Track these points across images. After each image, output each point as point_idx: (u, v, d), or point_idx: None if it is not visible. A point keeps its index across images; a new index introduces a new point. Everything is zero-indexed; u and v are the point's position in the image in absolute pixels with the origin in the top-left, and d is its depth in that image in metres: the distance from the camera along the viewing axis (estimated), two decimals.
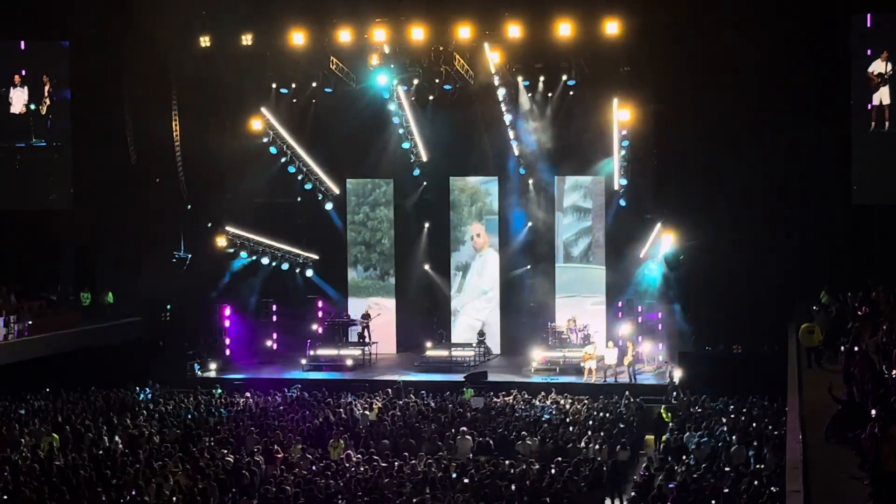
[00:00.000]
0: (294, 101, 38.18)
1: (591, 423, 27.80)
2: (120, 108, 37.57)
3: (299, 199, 40.17)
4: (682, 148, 35.82)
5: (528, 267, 39.75)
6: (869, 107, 34.26)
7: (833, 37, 34.11)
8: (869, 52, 34.25)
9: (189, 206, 38.26)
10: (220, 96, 36.97)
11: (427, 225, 40.56)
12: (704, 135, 35.24)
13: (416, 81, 36.92)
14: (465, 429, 26.63)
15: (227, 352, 38.65)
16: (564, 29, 33.15)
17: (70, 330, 36.33)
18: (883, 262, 31.75)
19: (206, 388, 33.99)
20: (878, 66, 33.90)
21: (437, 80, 36.23)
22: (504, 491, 21.22)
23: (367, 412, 29.44)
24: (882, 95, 34.05)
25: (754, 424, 26.61)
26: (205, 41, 35.41)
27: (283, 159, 38.70)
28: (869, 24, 34.30)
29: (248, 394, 32.52)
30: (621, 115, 35.30)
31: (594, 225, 39.20)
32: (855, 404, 17.78)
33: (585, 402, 30.67)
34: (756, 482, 20.37)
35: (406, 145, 39.02)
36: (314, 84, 37.36)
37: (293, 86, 37.68)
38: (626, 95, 35.18)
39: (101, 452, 24.88)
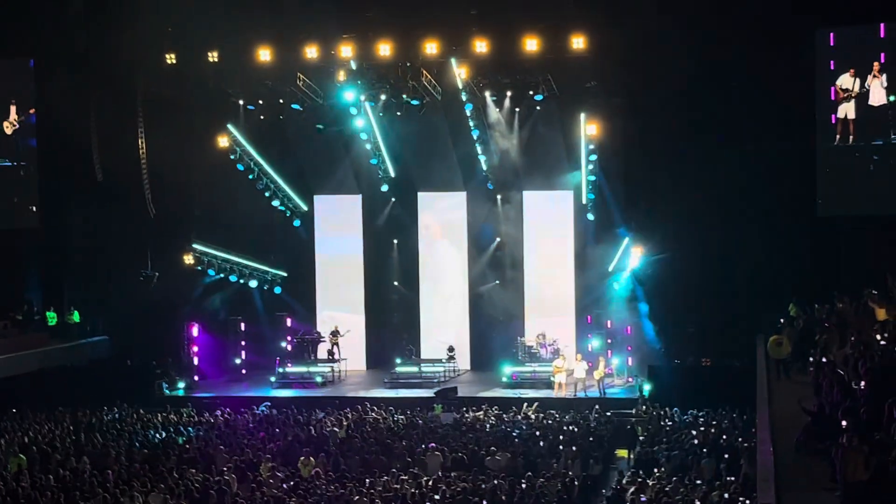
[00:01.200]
0: (261, 117, 38.04)
1: (561, 437, 27.79)
2: (86, 126, 37.35)
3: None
4: (650, 162, 35.98)
5: (497, 282, 39.76)
6: (833, 120, 34.53)
7: (797, 52, 34.39)
8: (832, 66, 34.53)
9: (155, 224, 37.98)
10: (186, 113, 36.76)
11: (396, 241, 40.50)
12: (671, 149, 35.43)
13: (383, 97, 36.88)
14: (434, 445, 26.56)
15: (196, 370, 38.43)
16: (531, 44, 33.19)
17: (36, 349, 36.02)
18: (848, 274, 31.94)
19: (174, 406, 33.75)
20: (846, 81, 34.16)
21: (404, 96, 36.25)
22: None
23: (336, 429, 29.31)
24: (847, 110, 34.31)
25: (724, 437, 26.68)
26: (171, 58, 35.24)
27: (250, 176, 38.55)
28: (832, 40, 34.58)
29: (216, 412, 32.32)
30: (588, 130, 35.40)
31: (562, 239, 39.27)
32: (825, 416, 17.85)
33: (556, 416, 30.69)
34: (727, 495, 20.41)
35: (374, 161, 38.98)
36: (281, 100, 37.25)
37: (260, 102, 37.55)
38: (593, 110, 35.29)
39: (68, 473, 24.61)
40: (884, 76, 33.73)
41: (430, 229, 40.48)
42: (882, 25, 33.90)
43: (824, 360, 22.75)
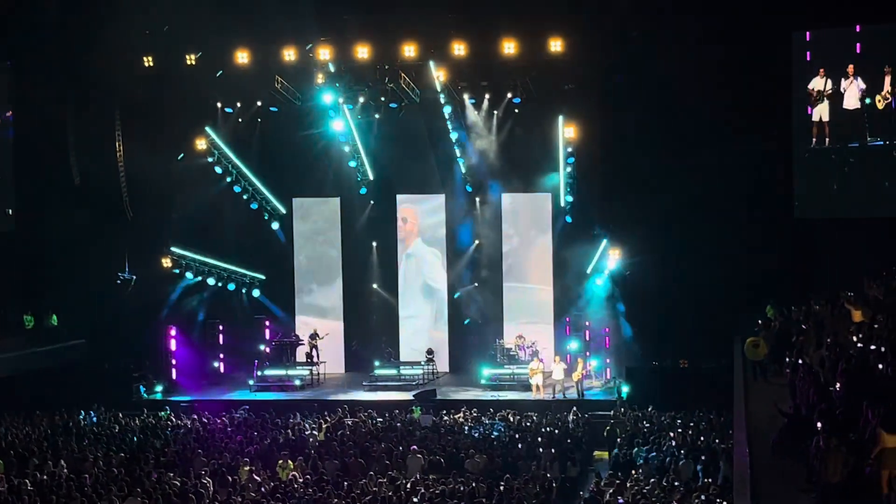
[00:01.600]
0: (239, 120, 37.99)
1: (539, 439, 27.84)
2: (63, 129, 37.22)
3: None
4: (627, 164, 36.07)
5: (476, 284, 39.78)
6: (809, 123, 34.75)
7: (774, 54, 34.56)
8: (809, 68, 34.73)
9: (133, 227, 37.85)
10: (164, 116, 36.69)
11: (375, 244, 40.46)
12: (649, 151, 35.54)
13: (361, 99, 36.91)
14: (414, 447, 26.57)
15: (174, 373, 38.36)
16: (509, 47, 33.31)
17: (13, 353, 35.79)
18: (825, 276, 32.11)
19: (151, 410, 33.65)
20: (817, 83, 34.35)
21: (382, 98, 36.28)
22: None
23: (315, 432, 29.29)
24: (822, 112, 34.50)
25: (702, 438, 26.79)
26: (148, 61, 35.20)
27: (228, 179, 38.48)
28: (808, 42, 34.76)
29: (194, 415, 32.24)
30: (566, 132, 35.51)
31: (541, 241, 39.36)
32: (801, 418, 17.93)
33: (534, 418, 30.75)
34: (704, 496, 20.48)
35: (352, 163, 38.96)
36: (259, 103, 37.22)
37: (238, 105, 37.52)
38: (571, 112, 35.38)
39: (45, 477, 24.50)
40: (858, 79, 33.89)
41: (408, 232, 40.47)
42: (857, 28, 34.10)
43: (800, 361, 22.85)
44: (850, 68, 34.01)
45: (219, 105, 37.44)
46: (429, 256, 40.49)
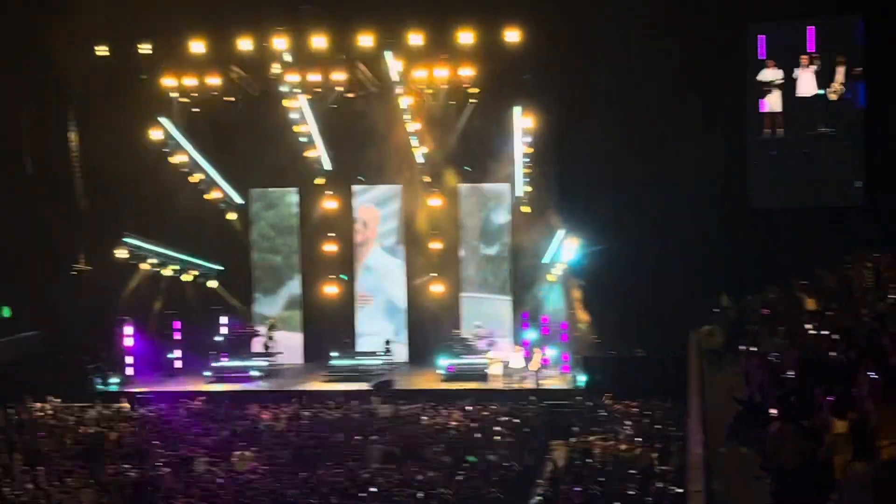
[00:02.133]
0: (194, 110, 37.69)
1: (497, 428, 27.92)
2: (16, 118, 36.82)
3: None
4: (584, 154, 36.19)
5: (434, 275, 39.76)
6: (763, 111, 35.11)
7: (729, 45, 34.79)
8: (762, 59, 35.03)
9: (87, 218, 37.53)
10: (118, 106, 36.30)
11: (332, 234, 40.30)
12: (606, 141, 35.67)
13: (318, 89, 36.74)
14: (373, 437, 26.58)
15: (129, 365, 38.03)
16: (466, 37, 33.30)
17: None
18: (779, 265, 32.38)
19: (107, 401, 33.42)
20: (767, 74, 34.67)
21: (339, 89, 36.13)
22: (412, 499, 21.22)
23: (273, 423, 29.22)
24: (773, 102, 34.82)
25: (658, 427, 26.97)
26: (102, 50, 34.87)
27: (184, 169, 38.21)
28: (763, 33, 35.04)
29: (150, 407, 32.05)
30: (524, 122, 35.54)
31: (498, 232, 39.44)
32: (755, 405, 18.08)
33: (493, 407, 30.83)
34: (660, 484, 20.65)
35: (310, 154, 38.80)
36: (214, 93, 36.98)
37: (193, 95, 37.23)
38: (529, 103, 35.42)
39: (0, 470, 24.31)
40: (812, 67, 34.22)
41: (365, 222, 40.40)
42: (808, 22, 34.46)
43: (755, 349, 23.07)
44: (804, 59, 34.34)
45: (173, 95, 37.08)
46: (386, 247, 40.44)
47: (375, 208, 40.46)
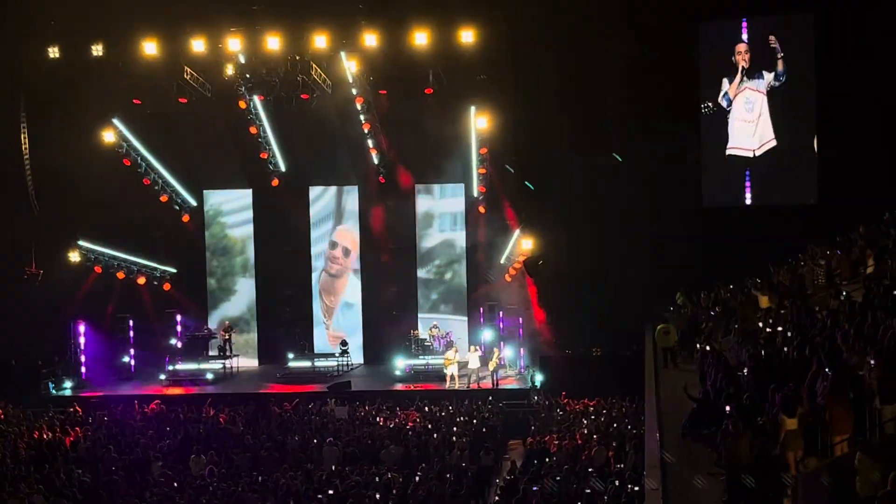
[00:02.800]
0: (148, 111, 37.36)
1: (455, 428, 27.93)
2: None
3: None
4: (539, 154, 36.32)
5: (395, 288, 39.68)
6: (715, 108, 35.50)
7: (682, 45, 35.04)
8: (715, 58, 35.38)
9: (40, 221, 37.15)
10: (71, 107, 35.98)
11: (287, 235, 40.15)
12: (560, 141, 35.83)
13: (272, 91, 36.56)
14: (330, 439, 26.50)
15: (83, 369, 37.69)
16: (420, 38, 33.27)
17: None
18: (733, 264, 32.65)
19: (60, 406, 33.08)
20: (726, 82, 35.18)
21: (294, 90, 35.99)
22: (369, 501, 21.18)
23: (229, 426, 29.04)
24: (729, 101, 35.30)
25: (615, 425, 27.07)
26: (54, 51, 34.52)
27: (138, 171, 37.88)
28: (713, 33, 35.38)
29: (105, 411, 31.77)
30: (479, 123, 35.58)
31: (454, 231, 39.48)
32: (709, 402, 18.23)
33: (449, 408, 30.83)
34: (617, 482, 20.72)
35: (264, 155, 38.62)
36: (168, 94, 36.65)
37: (146, 96, 36.87)
38: (484, 103, 35.45)
39: None
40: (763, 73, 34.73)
41: (321, 223, 40.29)
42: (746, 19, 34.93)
43: (709, 347, 23.26)
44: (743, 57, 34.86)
45: (126, 96, 36.68)
46: (342, 248, 40.36)
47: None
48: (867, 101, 32.80)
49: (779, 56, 34.65)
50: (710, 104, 35.50)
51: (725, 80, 35.35)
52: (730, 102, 35.31)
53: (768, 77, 34.94)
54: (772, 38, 34.72)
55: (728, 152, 35.58)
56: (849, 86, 33.43)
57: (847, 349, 16.66)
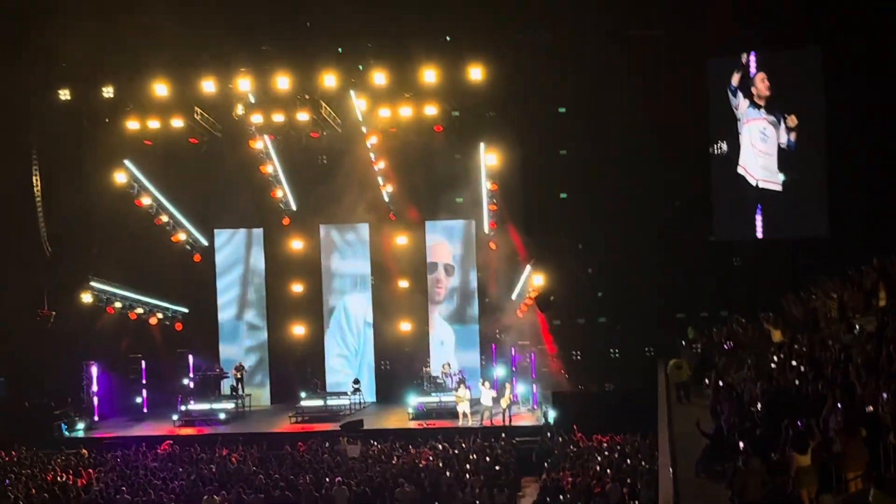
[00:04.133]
0: (158, 151, 37.51)
1: (468, 466, 27.80)
2: None
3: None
4: (549, 190, 36.39)
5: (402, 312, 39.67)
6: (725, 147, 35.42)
7: (691, 82, 35.10)
8: (724, 92, 35.40)
9: (52, 262, 37.24)
10: (82, 148, 36.23)
11: (299, 273, 40.14)
12: (570, 177, 35.91)
13: (282, 130, 36.69)
14: (339, 479, 26.39)
15: (96, 410, 37.65)
16: (429, 75, 33.40)
17: None
18: (745, 298, 32.59)
19: (73, 447, 33.03)
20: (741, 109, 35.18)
21: (304, 128, 36.13)
22: None
23: (241, 466, 28.96)
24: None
25: (628, 461, 26.92)
26: (65, 94, 34.74)
27: (149, 211, 38.02)
28: (722, 68, 35.41)
29: (117, 452, 31.71)
30: (488, 159, 35.64)
31: (465, 268, 39.45)
32: (722, 438, 18.12)
33: (462, 445, 30.70)
34: None
35: (274, 194, 38.72)
36: (178, 134, 36.78)
37: (157, 137, 37.00)
38: (493, 140, 35.53)
39: None
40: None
41: (333, 261, 40.31)
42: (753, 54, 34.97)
43: (722, 382, 23.13)
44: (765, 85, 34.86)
45: (137, 137, 36.77)
46: (354, 285, 40.37)
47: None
48: (878, 133, 32.79)
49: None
50: (721, 144, 35.37)
51: (744, 101, 35.18)
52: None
53: (783, 135, 34.83)
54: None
55: (738, 169, 35.41)
56: (859, 118, 33.43)
57: (860, 384, 16.55)
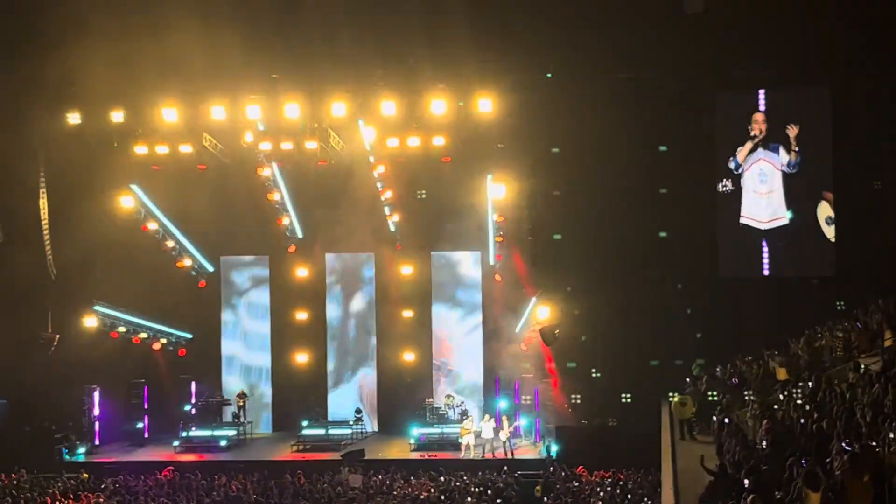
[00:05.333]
0: (166, 177, 37.56)
1: (469, 499, 27.65)
2: None
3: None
4: (556, 223, 36.40)
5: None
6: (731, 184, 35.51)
7: (698, 116, 35.18)
8: (731, 128, 35.50)
9: (56, 285, 37.21)
10: (89, 172, 36.23)
11: (304, 302, 40.06)
12: (577, 210, 35.92)
13: (291, 158, 36.75)
14: None
15: (97, 435, 37.51)
16: (438, 106, 33.47)
17: None
18: (750, 335, 32.52)
19: (74, 472, 32.89)
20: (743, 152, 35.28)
21: (312, 157, 36.19)
22: None
23: (242, 494, 28.84)
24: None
25: (630, 497, 26.79)
26: (73, 117, 34.81)
27: (156, 236, 38.03)
28: (730, 103, 35.52)
29: (118, 478, 31.60)
30: (495, 191, 35.66)
31: (470, 300, 39.40)
32: (727, 475, 18.00)
33: (464, 477, 30.56)
34: None
35: (281, 222, 38.75)
36: (187, 160, 36.84)
37: (165, 162, 37.05)
38: (500, 171, 35.56)
39: None
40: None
41: (338, 290, 40.29)
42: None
43: (727, 419, 23.05)
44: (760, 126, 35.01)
45: (145, 162, 36.83)
46: (359, 314, 40.32)
47: (346, 265, 40.24)
48: (884, 172, 32.81)
49: (794, 149, 34.73)
50: (727, 182, 35.43)
51: (739, 148, 35.42)
52: (738, 166, 35.26)
53: (784, 157, 34.94)
54: (790, 128, 34.77)
55: (741, 221, 35.49)
56: (865, 158, 33.46)
57: (865, 424, 16.46)
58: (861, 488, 14.19)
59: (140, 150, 35.97)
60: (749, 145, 35.20)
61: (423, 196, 38.98)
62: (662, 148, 35.20)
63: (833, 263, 34.67)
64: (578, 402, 36.58)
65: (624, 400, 35.75)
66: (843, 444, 15.22)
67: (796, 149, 34.72)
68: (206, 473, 31.61)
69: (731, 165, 35.35)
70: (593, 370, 36.17)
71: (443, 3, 33.04)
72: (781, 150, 35.04)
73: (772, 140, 35.28)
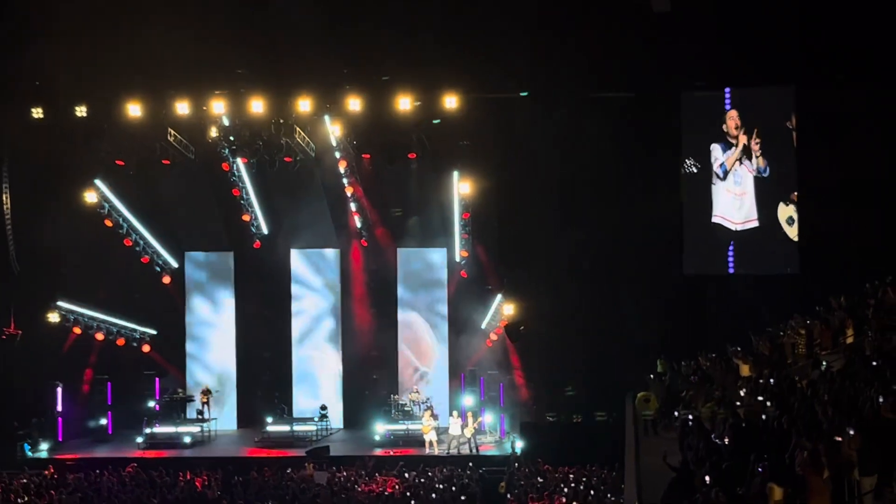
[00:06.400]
0: (130, 172, 37.31)
1: (433, 496, 27.68)
2: None
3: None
4: (522, 220, 36.43)
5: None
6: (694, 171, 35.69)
7: (664, 113, 35.28)
8: (697, 127, 35.60)
9: (19, 281, 36.91)
10: (53, 168, 35.92)
11: (268, 298, 39.99)
12: (543, 207, 35.96)
13: (256, 153, 36.59)
14: None
15: (60, 431, 37.28)
16: (404, 103, 33.42)
17: None
18: (714, 332, 32.70)
19: (36, 468, 32.66)
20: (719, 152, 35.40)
21: (277, 152, 36.06)
22: None
23: (206, 491, 28.74)
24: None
25: (593, 493, 26.90)
26: (37, 112, 34.49)
27: (119, 231, 37.78)
28: (696, 102, 35.64)
29: (81, 474, 31.39)
30: (462, 188, 35.70)
31: (436, 297, 39.44)
32: (689, 471, 18.08)
33: (429, 474, 30.58)
34: None
35: (246, 217, 38.63)
36: (151, 155, 36.60)
37: (129, 157, 36.81)
38: (467, 168, 35.61)
39: None
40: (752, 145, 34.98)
41: (303, 286, 40.21)
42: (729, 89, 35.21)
43: (689, 415, 23.15)
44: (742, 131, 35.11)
45: (109, 157, 36.59)
46: (324, 311, 40.27)
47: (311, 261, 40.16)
48: (848, 172, 33.00)
49: (756, 155, 34.93)
50: (691, 162, 35.49)
51: (716, 147, 35.35)
52: (726, 174, 35.36)
53: (755, 162, 35.07)
54: (756, 142, 34.96)
55: (714, 219, 35.57)
56: (830, 158, 33.65)
57: (826, 420, 16.59)
58: (821, 484, 14.31)
59: (104, 145, 35.72)
60: (737, 152, 35.23)
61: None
62: (630, 144, 35.15)
63: (797, 262, 34.84)
64: (543, 395, 36.58)
65: (587, 396, 35.81)
66: (804, 441, 15.32)
67: (758, 154, 34.88)
68: (170, 470, 31.47)
69: (719, 172, 35.42)
70: (558, 366, 36.12)
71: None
72: (754, 157, 35.16)
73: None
